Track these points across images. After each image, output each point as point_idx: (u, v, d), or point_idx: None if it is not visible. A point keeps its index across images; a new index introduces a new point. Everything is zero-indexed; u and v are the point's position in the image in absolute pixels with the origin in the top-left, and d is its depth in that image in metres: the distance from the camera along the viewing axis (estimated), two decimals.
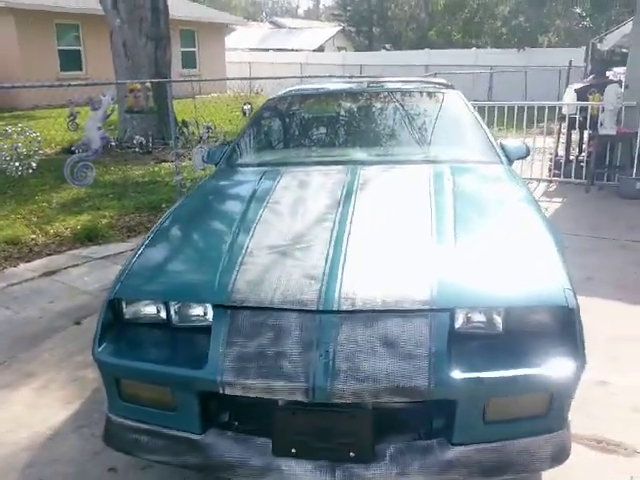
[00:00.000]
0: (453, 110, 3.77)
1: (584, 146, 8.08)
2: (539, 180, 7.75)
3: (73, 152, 6.96)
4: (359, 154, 3.40)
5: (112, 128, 10.14)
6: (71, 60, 18.23)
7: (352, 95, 4.10)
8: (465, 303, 1.94)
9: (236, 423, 2.00)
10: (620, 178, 7.02)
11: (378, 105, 3.91)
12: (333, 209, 2.51)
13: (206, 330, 1.98)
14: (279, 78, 8.47)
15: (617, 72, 9.19)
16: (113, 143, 8.05)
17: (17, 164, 5.71)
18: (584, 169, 7.48)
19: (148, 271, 2.28)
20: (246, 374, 1.84)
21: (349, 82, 5.26)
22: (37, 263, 4.80)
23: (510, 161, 3.40)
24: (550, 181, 7.78)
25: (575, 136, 8.34)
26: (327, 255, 2.13)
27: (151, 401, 2.02)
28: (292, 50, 28.22)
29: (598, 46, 14.31)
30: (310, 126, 3.99)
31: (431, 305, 1.90)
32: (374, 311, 1.90)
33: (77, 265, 4.74)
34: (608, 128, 6.98)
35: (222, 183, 3.33)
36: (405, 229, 2.38)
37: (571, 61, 11.24)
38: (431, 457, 1.84)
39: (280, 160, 3.48)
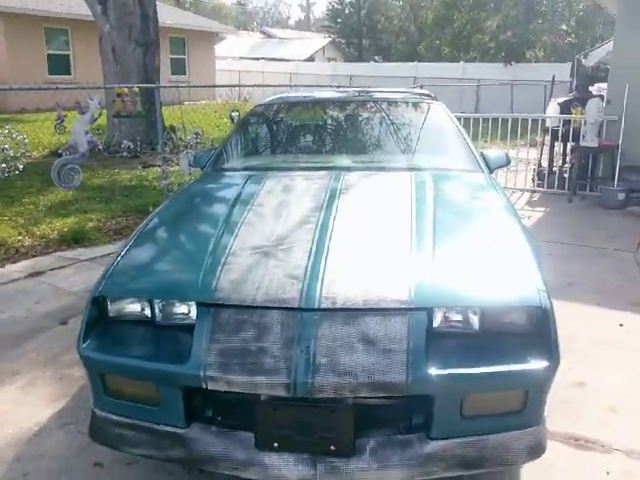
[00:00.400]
0: (436, 120, 3.86)
1: (567, 158, 8.23)
2: (523, 190, 7.88)
3: (60, 155, 6.99)
4: (343, 160, 3.47)
5: (100, 132, 10.15)
6: (60, 64, 18.21)
7: (337, 103, 4.18)
8: (442, 303, 2.00)
9: (219, 418, 2.03)
10: (602, 189, 7.16)
11: (362, 113, 4.00)
12: (316, 212, 2.57)
13: (189, 328, 2.02)
14: (267, 86, 8.56)
15: (600, 87, 9.39)
16: (101, 147, 8.08)
17: (4, 165, 5.71)
18: (567, 180, 7.63)
19: (133, 269, 2.32)
20: (228, 369, 1.88)
21: (335, 91, 5.34)
22: (23, 264, 4.80)
23: (490, 170, 3.49)
24: (534, 191, 7.91)
25: (558, 148, 8.50)
26: (309, 255, 2.18)
27: (135, 396, 2.04)
28: (282, 60, 28.38)
29: (583, 62, 14.61)
30: (296, 132, 4.06)
31: (409, 304, 1.95)
32: (354, 309, 1.95)
33: (63, 266, 4.75)
34: (589, 140, 7.14)
35: (207, 186, 3.38)
36: (386, 232, 2.44)
37: (554, 76, 11.47)
38: (410, 451, 1.89)
39: (265, 165, 3.54)
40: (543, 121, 8.44)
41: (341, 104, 4.16)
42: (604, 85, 8.47)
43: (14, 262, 4.84)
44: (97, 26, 10.43)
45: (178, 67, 21.86)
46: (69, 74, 18.44)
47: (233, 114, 8.85)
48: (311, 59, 31.55)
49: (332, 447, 1.87)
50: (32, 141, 9.39)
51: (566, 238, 5.60)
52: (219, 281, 2.09)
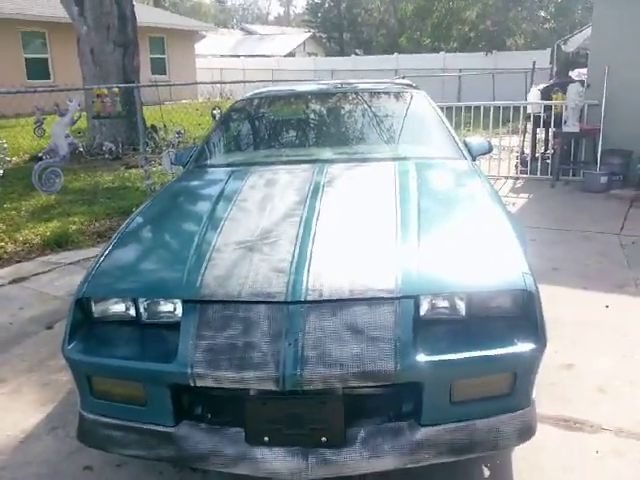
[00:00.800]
0: (417, 109, 3.85)
1: (549, 143, 8.28)
2: (507, 177, 7.92)
3: (41, 159, 6.91)
4: (326, 153, 3.45)
5: (81, 135, 10.06)
6: (38, 68, 18.01)
7: (319, 96, 4.16)
8: (428, 290, 2.00)
9: (209, 415, 2.01)
10: (585, 173, 7.21)
11: (344, 105, 3.99)
12: (300, 205, 2.55)
13: (175, 326, 2.00)
14: (248, 82, 8.50)
15: (580, 72, 9.44)
16: (82, 149, 8.01)
17: None
18: (549, 165, 7.68)
19: (116, 269, 2.29)
20: (216, 365, 1.86)
21: (316, 83, 5.33)
22: (6, 270, 4.74)
23: (473, 157, 3.49)
24: (517, 178, 7.95)
25: (540, 134, 8.55)
26: (294, 249, 2.17)
27: (123, 396, 2.02)
28: (263, 56, 28.26)
29: (563, 48, 14.67)
30: (277, 126, 4.04)
31: (396, 293, 1.95)
32: (341, 300, 1.94)
33: (47, 271, 4.70)
34: (571, 125, 7.18)
35: (190, 183, 3.35)
36: (370, 222, 2.43)
37: (534, 62, 11.50)
38: (401, 439, 1.89)
39: (248, 160, 3.52)
40: (525, 108, 8.48)
41: (323, 96, 4.14)
42: (584, 70, 8.53)
43: None
44: (75, 28, 10.31)
45: (158, 67, 21.69)
46: (48, 78, 18.23)
47: (215, 112, 8.80)
48: (292, 54, 31.46)
49: (323, 438, 1.87)
50: (12, 146, 9.29)
51: (550, 223, 5.63)
52: (204, 277, 2.07)
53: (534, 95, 8.47)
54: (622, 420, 2.55)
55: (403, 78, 9.88)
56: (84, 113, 8.13)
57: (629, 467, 2.28)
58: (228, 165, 3.40)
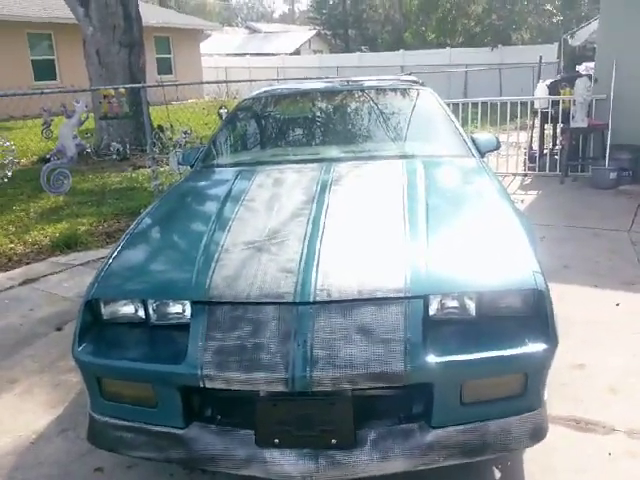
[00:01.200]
0: (424, 106, 3.83)
1: (557, 139, 8.22)
2: (515, 174, 7.86)
3: (49, 160, 6.94)
4: (333, 151, 3.44)
5: (88, 136, 10.09)
6: (45, 70, 18.08)
7: (325, 94, 4.14)
8: (438, 290, 1.98)
9: (219, 416, 2.01)
10: (593, 169, 7.15)
11: (351, 103, 3.97)
12: (308, 204, 2.55)
13: (185, 327, 2.00)
14: (254, 81, 8.49)
15: (588, 66, 9.38)
16: (89, 150, 8.03)
17: None
18: (558, 162, 7.62)
19: (125, 271, 2.29)
20: (226, 367, 1.86)
21: (322, 81, 5.31)
22: (16, 272, 4.76)
23: (481, 154, 3.47)
24: (525, 175, 7.90)
25: (548, 130, 8.48)
26: (302, 249, 2.16)
27: (133, 398, 2.03)
28: (269, 54, 28.25)
29: (570, 42, 14.57)
30: (284, 125, 4.02)
31: (405, 293, 1.94)
32: (350, 301, 1.94)
33: (57, 272, 4.71)
34: (579, 121, 7.12)
35: (197, 183, 3.35)
36: (379, 221, 2.42)
37: (541, 57, 11.40)
38: (412, 441, 1.88)
39: (255, 159, 3.51)
40: (532, 103, 8.42)
41: (329, 94, 4.12)
42: (591, 64, 8.46)
43: (7, 270, 4.80)
44: (80, 29, 10.34)
45: (164, 67, 21.72)
46: (55, 79, 18.29)
47: (221, 111, 8.79)
48: (297, 52, 31.43)
49: (333, 440, 1.86)
50: (20, 148, 9.34)
51: (559, 220, 5.59)
52: (212, 278, 2.07)
53: (541, 90, 8.41)
54: (635, 421, 2.53)
55: (410, 75, 9.85)
56: (91, 114, 8.15)
57: None
58: (235, 165, 3.40)
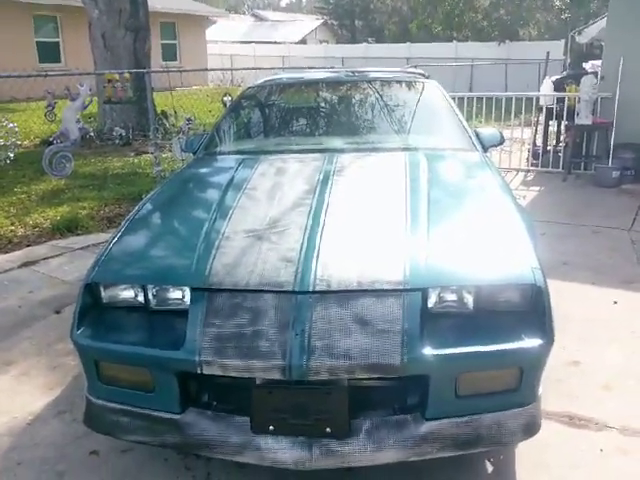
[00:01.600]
0: (429, 99, 3.82)
1: (561, 136, 8.20)
2: (518, 170, 7.85)
3: (51, 143, 6.93)
4: (336, 142, 3.43)
5: (92, 120, 10.07)
6: (50, 52, 18.02)
7: (330, 84, 4.13)
8: (437, 283, 1.99)
9: (215, 403, 2.02)
10: (596, 167, 7.14)
11: (355, 94, 3.96)
12: (310, 194, 2.55)
13: (184, 313, 2.00)
14: (259, 69, 8.46)
15: (595, 64, 9.33)
16: (92, 134, 8.02)
17: None
18: (561, 159, 7.60)
19: (125, 255, 2.30)
20: (223, 353, 1.87)
21: (327, 71, 5.29)
22: (16, 254, 4.77)
23: (484, 148, 3.46)
24: (528, 171, 7.89)
25: (553, 127, 8.46)
26: (303, 238, 2.16)
27: (130, 382, 2.04)
28: (274, 43, 28.12)
29: (577, 39, 14.49)
30: (288, 114, 4.01)
31: (404, 285, 1.94)
32: (349, 291, 1.94)
33: (57, 255, 4.72)
34: (584, 118, 7.10)
35: (200, 170, 3.34)
36: (380, 213, 2.42)
37: (548, 53, 11.37)
38: (406, 432, 1.89)
39: (258, 148, 3.51)
40: (537, 100, 8.39)
41: (334, 85, 4.11)
42: (598, 62, 8.41)
43: (7, 252, 4.80)
44: (86, 12, 10.29)
45: (169, 53, 21.64)
46: (59, 62, 18.24)
47: (225, 98, 8.78)
48: (303, 41, 31.29)
49: (327, 429, 1.87)
50: (23, 130, 9.32)
51: (561, 217, 5.59)
52: (213, 265, 2.07)
53: (547, 86, 8.38)
54: (628, 418, 2.54)
55: (415, 67, 9.80)
56: (95, 98, 8.13)
57: (633, 465, 2.27)
58: (238, 153, 3.39)
